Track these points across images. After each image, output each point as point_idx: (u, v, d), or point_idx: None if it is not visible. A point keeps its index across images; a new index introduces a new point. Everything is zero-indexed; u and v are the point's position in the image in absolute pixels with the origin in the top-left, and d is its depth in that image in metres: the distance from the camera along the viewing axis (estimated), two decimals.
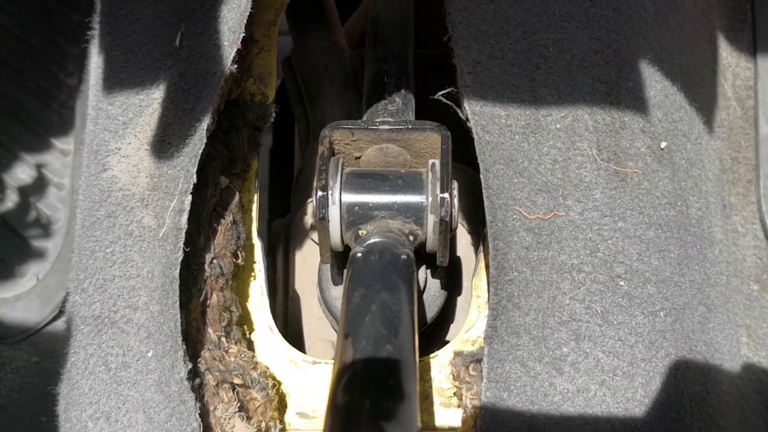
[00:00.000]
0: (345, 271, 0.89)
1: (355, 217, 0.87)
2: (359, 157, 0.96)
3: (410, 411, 0.65)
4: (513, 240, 0.85)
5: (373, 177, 0.89)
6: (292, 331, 1.10)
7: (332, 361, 0.92)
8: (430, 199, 0.86)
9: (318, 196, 0.86)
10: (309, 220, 1.14)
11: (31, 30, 1.27)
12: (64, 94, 1.30)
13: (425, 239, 0.89)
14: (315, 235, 1.11)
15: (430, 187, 0.87)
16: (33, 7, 1.27)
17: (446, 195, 0.85)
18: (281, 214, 1.30)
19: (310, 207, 1.14)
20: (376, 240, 0.85)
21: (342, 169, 0.89)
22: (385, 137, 0.93)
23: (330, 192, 0.86)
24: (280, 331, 0.94)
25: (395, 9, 1.16)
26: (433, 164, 0.88)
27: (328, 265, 0.97)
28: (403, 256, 0.83)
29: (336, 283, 0.98)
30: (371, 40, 1.13)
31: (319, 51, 1.33)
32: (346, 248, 0.90)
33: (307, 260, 1.13)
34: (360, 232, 0.87)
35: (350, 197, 0.87)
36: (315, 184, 0.87)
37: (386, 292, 0.77)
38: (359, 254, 0.83)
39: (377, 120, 0.98)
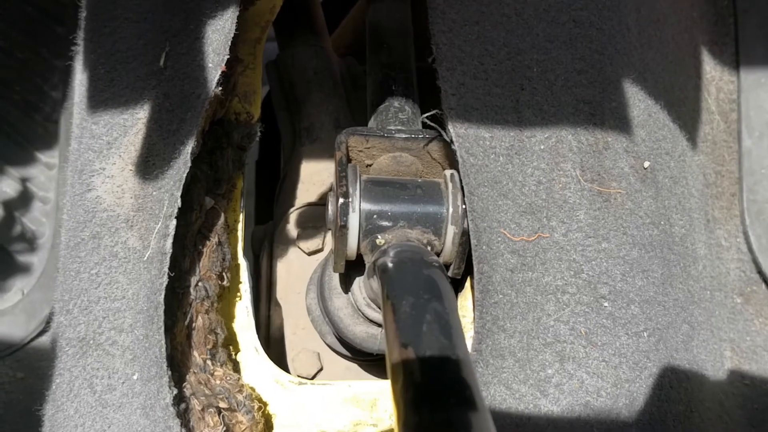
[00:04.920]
0: (368, 280, 0.86)
1: (373, 225, 0.85)
2: (370, 165, 0.94)
3: (488, 423, 0.60)
4: (498, 262, 0.85)
5: (392, 185, 0.88)
6: (275, 341, 1.10)
7: (318, 382, 0.92)
8: (450, 209, 0.86)
9: (339, 204, 0.84)
10: (293, 227, 1.13)
11: (15, 42, 1.26)
12: (48, 107, 1.28)
13: (441, 250, 0.88)
14: (301, 243, 1.10)
15: (450, 197, 0.86)
16: (17, 19, 1.26)
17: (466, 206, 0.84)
18: (267, 221, 1.29)
19: (294, 215, 1.14)
20: (404, 249, 0.82)
21: (360, 176, 0.87)
22: (400, 146, 0.92)
23: (350, 200, 0.85)
24: (261, 343, 0.94)
25: (397, 18, 1.14)
26: (452, 174, 0.88)
27: (328, 275, 0.95)
28: (436, 264, 0.79)
29: (345, 291, 0.96)
30: (374, 47, 1.11)
31: (308, 55, 1.32)
32: (358, 257, 0.89)
33: (292, 269, 1.12)
34: (377, 240, 0.85)
35: (369, 205, 0.86)
36: (335, 191, 0.85)
37: (436, 301, 0.73)
38: (391, 264, 0.79)
39: (390, 128, 0.96)
